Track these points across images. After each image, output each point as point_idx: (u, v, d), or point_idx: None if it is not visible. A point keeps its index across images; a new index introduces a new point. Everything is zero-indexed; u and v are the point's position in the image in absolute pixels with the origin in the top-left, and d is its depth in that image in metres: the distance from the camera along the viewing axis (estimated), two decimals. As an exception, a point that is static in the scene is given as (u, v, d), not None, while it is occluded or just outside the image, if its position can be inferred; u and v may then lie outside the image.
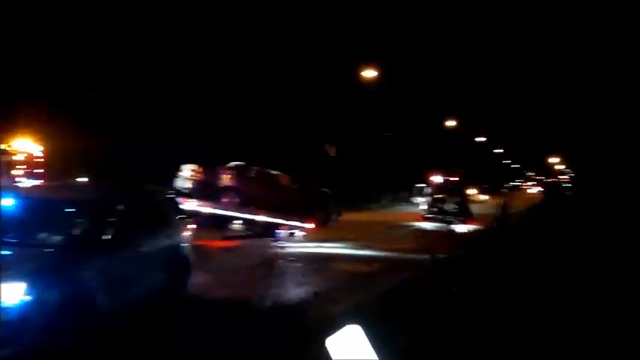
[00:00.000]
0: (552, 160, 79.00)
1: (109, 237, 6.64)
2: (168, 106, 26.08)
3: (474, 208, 27.88)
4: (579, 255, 10.84)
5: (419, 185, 43.13)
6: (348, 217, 29.15)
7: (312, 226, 17.19)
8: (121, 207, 7.14)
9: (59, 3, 22.87)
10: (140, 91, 25.12)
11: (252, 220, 16.36)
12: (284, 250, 14.86)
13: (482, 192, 53.90)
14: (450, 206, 26.83)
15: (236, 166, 17.12)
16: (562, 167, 78.86)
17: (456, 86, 51.10)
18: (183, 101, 27.03)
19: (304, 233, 17.25)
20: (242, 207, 16.10)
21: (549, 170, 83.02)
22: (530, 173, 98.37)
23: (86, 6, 23.28)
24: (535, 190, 69.37)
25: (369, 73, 30.15)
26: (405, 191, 55.51)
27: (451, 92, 50.41)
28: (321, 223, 19.20)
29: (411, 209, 36.85)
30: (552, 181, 67.87)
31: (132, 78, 24.56)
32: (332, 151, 31.99)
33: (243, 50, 29.79)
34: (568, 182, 63.84)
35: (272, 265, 12.20)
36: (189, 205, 14.31)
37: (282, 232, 16.41)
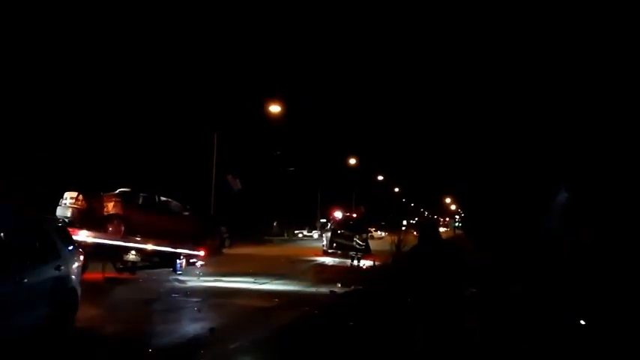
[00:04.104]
0: (447, 200, 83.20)
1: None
2: (54, 129, 24.87)
3: (372, 245, 28.66)
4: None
5: (323, 220, 43.75)
6: (250, 250, 28.89)
7: (203, 253, 16.83)
8: (1, 233, 6.65)
9: None
10: (23, 111, 23.83)
11: (147, 250, 15.71)
12: (181, 285, 14.42)
13: (380, 229, 55.66)
14: (349, 242, 27.41)
15: (121, 192, 16.38)
16: (454, 207, 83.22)
17: (358, 125, 52.88)
18: (71, 125, 25.91)
19: (203, 262, 16.85)
20: (129, 236, 15.43)
21: (445, 209, 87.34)
22: (425, 212, 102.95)
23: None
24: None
25: (274, 108, 30.46)
26: (307, 226, 56.16)
27: (353, 131, 52.11)
28: (214, 251, 18.81)
29: (312, 244, 37.20)
30: (425, 221, 71.00)
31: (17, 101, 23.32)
32: (236, 184, 31.71)
33: (139, 75, 29.27)
34: (459, 221, 67.41)
35: (167, 300, 11.77)
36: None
37: (181, 262, 15.95)
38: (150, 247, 15.50)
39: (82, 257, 9.07)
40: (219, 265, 18.65)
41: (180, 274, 15.80)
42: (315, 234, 52.90)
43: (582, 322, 8.18)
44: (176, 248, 15.97)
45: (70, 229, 11.07)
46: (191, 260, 16.55)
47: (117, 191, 16.33)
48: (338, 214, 33.48)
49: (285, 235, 51.27)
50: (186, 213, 17.50)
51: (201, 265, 16.88)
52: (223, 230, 23.50)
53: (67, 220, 14.74)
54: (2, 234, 6.71)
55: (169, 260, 15.98)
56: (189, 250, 16.41)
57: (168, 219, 16.53)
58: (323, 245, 29.10)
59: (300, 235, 49.81)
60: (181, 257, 16.04)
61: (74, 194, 15.21)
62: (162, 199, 17.03)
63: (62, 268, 7.86)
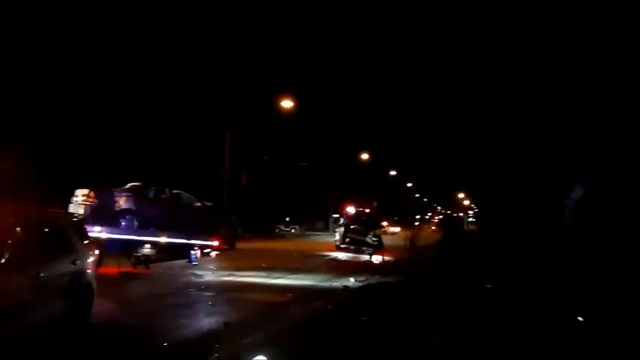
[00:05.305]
0: (460, 195, 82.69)
1: (2, 260, 6.20)
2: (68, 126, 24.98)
3: (386, 240, 28.61)
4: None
5: (335, 216, 43.65)
6: (263, 245, 28.97)
7: (217, 243, 16.94)
8: (17, 229, 6.71)
9: None
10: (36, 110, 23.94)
11: (160, 243, 15.83)
12: (195, 279, 14.50)
13: (393, 224, 55.50)
14: (362, 237, 27.41)
15: (132, 187, 16.45)
16: (468, 202, 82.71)
17: (370, 120, 52.73)
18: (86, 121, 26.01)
19: (217, 252, 16.99)
20: (142, 229, 15.54)
21: (457, 205, 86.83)
22: (439, 207, 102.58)
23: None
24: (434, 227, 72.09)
25: (286, 104, 30.51)
26: (320, 221, 56.16)
27: (365, 126, 51.94)
28: (228, 240, 18.79)
29: (325, 239, 37.20)
30: (449, 217, 70.66)
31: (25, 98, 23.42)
32: (242, 179, 31.89)
33: (151, 68, 29.31)
34: (473, 217, 67.05)
35: (182, 294, 11.84)
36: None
37: (196, 253, 16.08)
38: (163, 239, 15.64)
39: (97, 252, 9.15)
40: (232, 259, 18.72)
41: (195, 265, 15.92)
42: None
43: (580, 319, 8.16)
44: (190, 239, 16.10)
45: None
46: (205, 250, 16.67)
47: (127, 186, 16.41)
48: (350, 210, 33.43)
49: (298, 230, 51.28)
50: (198, 204, 17.59)
51: (216, 255, 17.03)
52: (235, 219, 23.44)
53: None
54: (19, 229, 6.78)
55: (184, 252, 16.10)
56: (203, 240, 16.54)
57: (180, 211, 16.64)
58: (336, 240, 29.14)
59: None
60: (195, 248, 16.16)
61: (85, 191, 15.30)
62: (174, 191, 17.13)
63: (78, 262, 7.93)
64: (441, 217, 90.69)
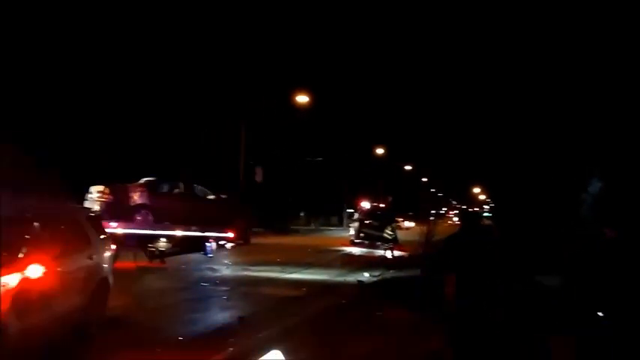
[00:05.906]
0: (475, 190, 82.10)
1: (22, 255, 6.26)
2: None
3: (400, 235, 28.54)
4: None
5: (349, 211, 43.63)
6: (277, 240, 29.07)
7: (232, 235, 17.04)
8: (36, 223, 6.78)
9: None
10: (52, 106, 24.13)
11: (175, 237, 15.95)
12: (210, 274, 14.59)
13: (408, 219, 55.31)
14: (377, 232, 27.35)
15: (146, 182, 16.57)
16: (484, 197, 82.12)
17: (385, 115, 52.44)
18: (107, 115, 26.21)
19: (233, 244, 17.09)
20: (157, 223, 15.67)
21: (473, 199, 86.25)
22: (454, 202, 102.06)
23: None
24: (457, 218, 71.75)
25: (301, 99, 30.50)
26: (334, 216, 56.19)
27: (380, 120, 51.69)
28: (243, 232, 18.80)
29: (340, 234, 37.21)
30: (470, 212, 70.10)
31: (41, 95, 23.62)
32: (259, 176, 31.96)
33: (166, 64, 29.43)
34: (488, 212, 66.60)
35: (197, 289, 11.92)
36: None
37: (211, 245, 16.19)
38: (179, 232, 15.78)
39: (113, 246, 9.23)
40: (247, 254, 18.80)
41: (210, 257, 16.02)
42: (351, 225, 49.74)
43: (600, 314, 8.02)
44: (205, 232, 16.21)
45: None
46: (221, 242, 16.78)
47: (141, 181, 16.52)
48: (365, 204, 33.34)
49: (312, 225, 51.39)
50: (212, 196, 17.68)
51: (231, 248, 17.11)
52: (248, 208, 23.48)
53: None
54: (36, 224, 6.84)
55: (199, 244, 16.21)
56: (218, 232, 16.65)
57: (195, 204, 16.73)
58: (350, 235, 29.12)
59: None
60: (210, 240, 16.27)
61: (100, 188, 15.46)
62: (187, 184, 17.24)
63: (94, 257, 8.00)
64: (456, 211, 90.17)
